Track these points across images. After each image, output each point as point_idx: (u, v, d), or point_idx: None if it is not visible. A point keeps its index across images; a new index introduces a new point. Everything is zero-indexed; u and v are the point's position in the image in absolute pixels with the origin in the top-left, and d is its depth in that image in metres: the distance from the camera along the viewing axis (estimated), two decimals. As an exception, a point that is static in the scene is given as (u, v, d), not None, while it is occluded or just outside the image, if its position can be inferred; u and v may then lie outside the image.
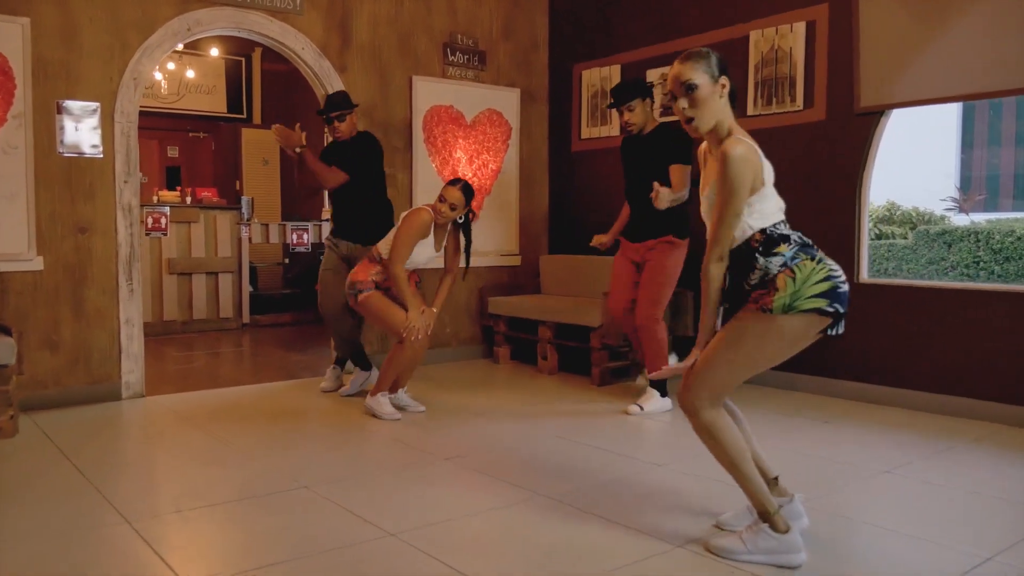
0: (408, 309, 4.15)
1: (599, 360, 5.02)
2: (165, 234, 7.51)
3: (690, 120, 2.41)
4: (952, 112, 14.74)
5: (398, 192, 5.58)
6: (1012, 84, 4.00)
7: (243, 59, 9.74)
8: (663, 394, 4.33)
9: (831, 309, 2.29)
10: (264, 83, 10.00)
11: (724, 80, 2.42)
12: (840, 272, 2.35)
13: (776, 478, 2.58)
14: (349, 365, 4.91)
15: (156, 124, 9.64)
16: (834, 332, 2.36)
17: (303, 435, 3.85)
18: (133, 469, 3.39)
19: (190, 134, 9.99)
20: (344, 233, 4.74)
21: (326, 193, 4.97)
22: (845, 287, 2.32)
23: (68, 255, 4.44)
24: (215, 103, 9.75)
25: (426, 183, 5.68)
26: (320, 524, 2.66)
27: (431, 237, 4.22)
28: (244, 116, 9.97)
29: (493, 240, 6.07)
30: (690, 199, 4.13)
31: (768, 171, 2.42)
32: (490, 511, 2.81)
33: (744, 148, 2.33)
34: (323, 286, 4.74)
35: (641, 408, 4.25)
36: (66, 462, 3.35)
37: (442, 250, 4.36)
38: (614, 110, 4.38)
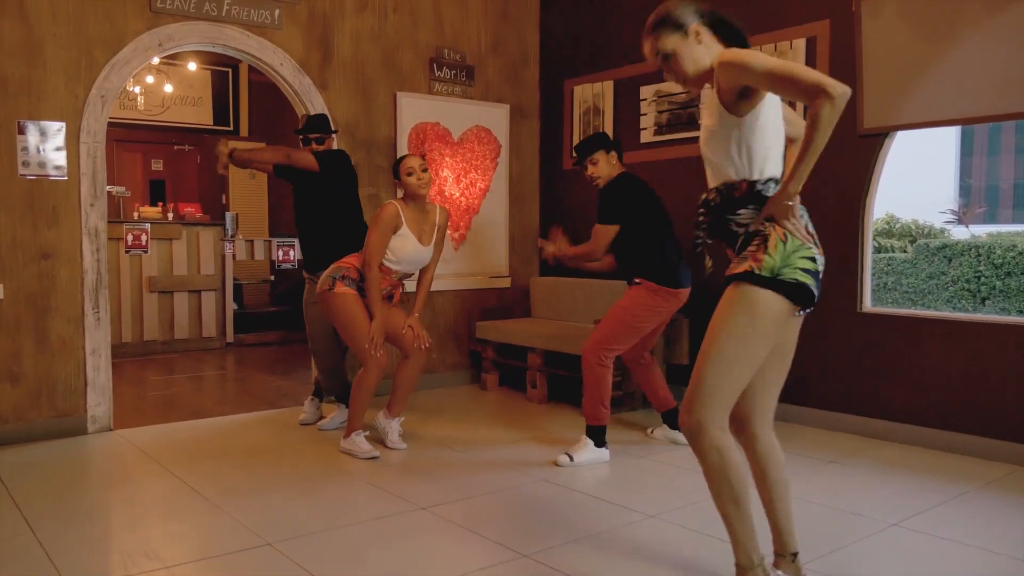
0: (372, 316, 3.93)
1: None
2: (146, 251, 7.29)
3: (684, 81, 2.30)
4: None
5: (382, 213, 5.36)
6: (1015, 108, 3.79)
7: (230, 70, 9.53)
8: (599, 444, 3.87)
9: (814, 292, 2.14)
10: (251, 95, 9.78)
11: (695, 26, 2.26)
12: (820, 260, 2.19)
13: (796, 554, 2.34)
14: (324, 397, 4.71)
15: (140, 137, 9.42)
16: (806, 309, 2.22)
17: (274, 478, 3.61)
18: (86, 521, 3.15)
19: (175, 147, 9.76)
20: (317, 266, 4.40)
21: (296, 221, 4.65)
22: (821, 275, 2.19)
23: (30, 283, 4.21)
24: (201, 115, 9.53)
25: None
26: (280, 593, 2.43)
27: (407, 230, 4.02)
28: (231, 128, 9.75)
29: (482, 262, 5.86)
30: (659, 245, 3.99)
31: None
32: (473, 574, 2.58)
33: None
34: (309, 323, 4.52)
35: (571, 458, 3.80)
36: (15, 512, 3.12)
37: (431, 246, 4.13)
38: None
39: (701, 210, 2.41)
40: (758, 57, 2.07)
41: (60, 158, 4.26)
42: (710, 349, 2.15)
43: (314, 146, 4.46)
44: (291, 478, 3.62)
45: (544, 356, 5.18)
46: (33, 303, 4.22)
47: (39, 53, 4.19)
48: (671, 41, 2.24)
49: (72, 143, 4.29)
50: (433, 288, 5.59)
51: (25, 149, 4.17)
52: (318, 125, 4.49)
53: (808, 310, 2.22)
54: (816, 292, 2.15)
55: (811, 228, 2.22)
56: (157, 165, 9.72)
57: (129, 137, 9.33)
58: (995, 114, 3.92)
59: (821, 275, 2.18)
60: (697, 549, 2.78)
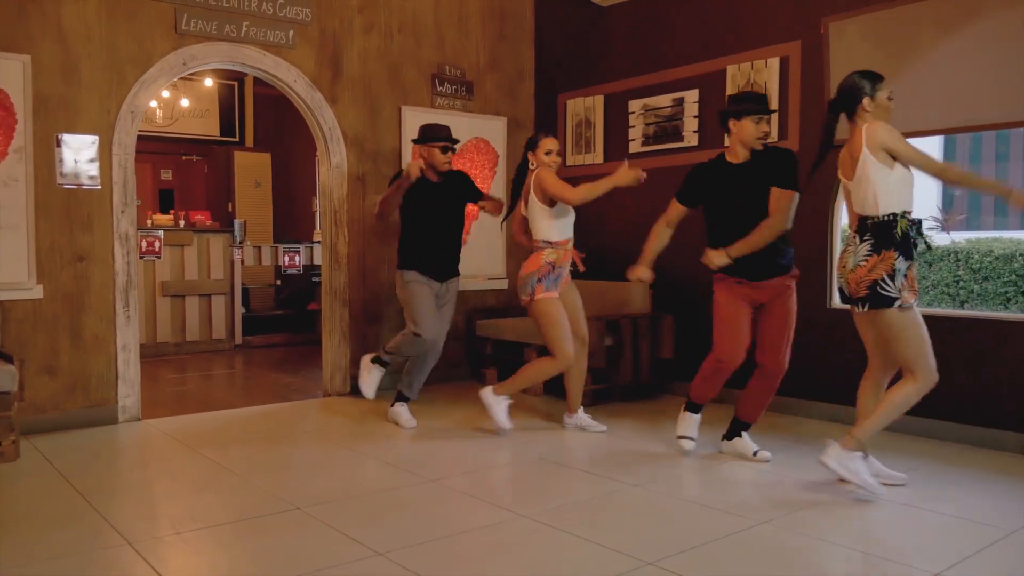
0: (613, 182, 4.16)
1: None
2: (159, 257, 7.69)
3: None
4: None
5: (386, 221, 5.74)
6: (979, 120, 4.19)
7: (236, 83, 9.91)
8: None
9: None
10: (257, 107, 10.17)
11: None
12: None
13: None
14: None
15: (149, 148, 9.76)
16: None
17: (296, 458, 3.98)
18: (132, 492, 3.52)
19: (183, 157, 10.14)
20: (443, 273, 4.72)
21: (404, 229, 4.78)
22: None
23: (67, 284, 4.58)
24: (208, 127, 9.91)
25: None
26: (311, 544, 2.80)
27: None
28: (237, 139, 10.13)
29: (481, 264, 6.24)
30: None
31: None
32: (473, 531, 2.95)
33: None
34: (429, 318, 4.59)
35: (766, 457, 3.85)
36: (67, 486, 3.48)
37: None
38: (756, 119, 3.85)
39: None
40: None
41: (93, 169, 4.64)
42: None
43: (449, 155, 4.73)
44: (311, 457, 3.99)
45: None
46: (69, 302, 4.59)
47: (75, 72, 4.57)
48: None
49: (105, 155, 4.67)
50: (435, 289, 5.98)
51: (62, 161, 4.54)
52: (448, 133, 4.77)
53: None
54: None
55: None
56: (166, 175, 10.09)
57: (139, 148, 9.66)
58: (953, 127, 4.33)
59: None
60: (680, 513, 3.16)
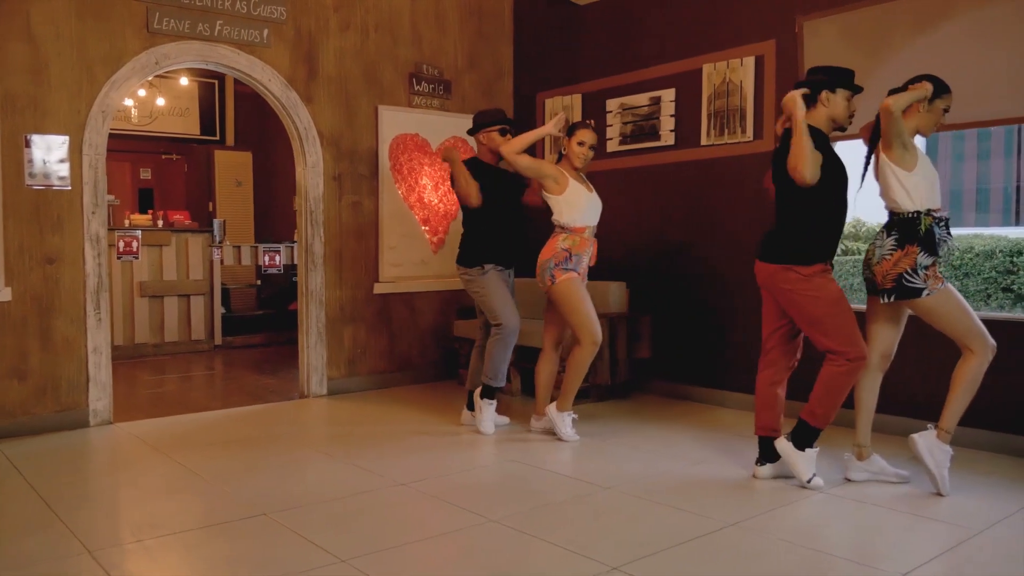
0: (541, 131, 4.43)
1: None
2: (136, 258, 7.59)
3: None
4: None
5: (364, 219, 5.72)
6: (954, 119, 4.19)
7: (216, 82, 9.84)
8: (803, 447, 3.48)
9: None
10: (237, 105, 10.10)
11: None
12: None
13: None
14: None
15: (128, 147, 9.71)
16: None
17: (266, 462, 3.95)
18: (98, 499, 3.48)
19: (163, 156, 10.06)
20: (512, 257, 4.65)
21: (463, 216, 4.68)
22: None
23: (36, 285, 4.52)
24: (188, 125, 9.84)
25: (392, 209, 5.81)
26: (274, 551, 2.77)
27: (575, 183, 4.30)
28: (217, 138, 10.06)
29: (459, 264, 6.20)
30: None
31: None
32: (440, 536, 2.93)
33: None
34: (509, 307, 4.50)
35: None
36: (32, 493, 3.43)
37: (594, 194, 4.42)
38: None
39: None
40: None
41: (64, 169, 4.58)
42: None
43: (508, 136, 4.57)
44: (281, 461, 3.95)
45: (517, 352, 5.53)
46: (39, 305, 4.53)
47: (44, 71, 4.51)
48: None
49: (75, 155, 4.61)
50: (413, 289, 5.95)
51: (31, 161, 4.48)
52: (503, 116, 4.68)
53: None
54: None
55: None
56: (145, 174, 10.02)
57: (118, 147, 9.58)
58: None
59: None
60: (647, 515, 3.14)
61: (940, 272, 3.34)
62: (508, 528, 2.98)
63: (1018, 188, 14.74)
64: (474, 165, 4.55)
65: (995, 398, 4.01)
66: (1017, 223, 14.69)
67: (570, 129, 4.42)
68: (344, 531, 2.97)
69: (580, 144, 4.33)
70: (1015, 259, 9.53)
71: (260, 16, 5.17)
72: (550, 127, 4.41)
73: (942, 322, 3.37)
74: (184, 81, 9.26)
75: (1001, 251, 9.49)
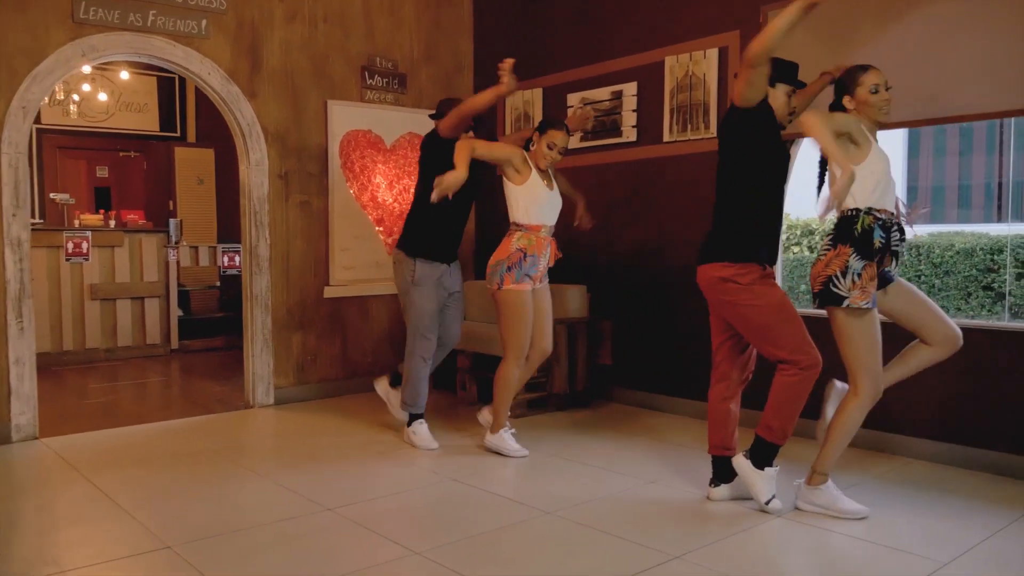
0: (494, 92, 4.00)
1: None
2: (87, 259, 7.31)
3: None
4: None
5: (314, 219, 5.44)
6: (916, 115, 3.96)
7: (176, 77, 9.52)
8: (761, 465, 3.22)
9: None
10: (199, 101, 9.78)
11: None
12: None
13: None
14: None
15: (84, 144, 9.39)
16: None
17: (189, 483, 3.67)
18: (-3, 527, 3.20)
19: (120, 154, 9.73)
20: (449, 255, 4.36)
21: (426, 212, 4.20)
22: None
23: (-49, 293, 4.23)
24: (147, 121, 9.53)
25: (343, 209, 5.54)
26: (171, 593, 2.51)
27: (537, 177, 3.99)
28: (178, 135, 9.75)
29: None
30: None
31: None
32: (358, 572, 2.67)
33: None
34: (432, 316, 4.25)
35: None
36: (-77, 521, 3.16)
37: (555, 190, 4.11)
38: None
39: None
40: None
41: (-19, 168, 4.28)
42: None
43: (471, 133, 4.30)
44: (207, 482, 3.68)
45: (473, 359, 5.28)
46: (-46, 313, 4.24)
47: (-42, 64, 4.22)
48: None
49: (-7, 153, 4.32)
50: (367, 292, 5.68)
51: (-55, 160, 4.18)
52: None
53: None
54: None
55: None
56: (102, 172, 9.68)
57: (73, 144, 9.29)
58: (893, 121, 4.08)
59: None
60: (589, 543, 2.89)
61: (873, 289, 3.01)
62: (431, 562, 2.72)
63: (1000, 184, 14.59)
64: (445, 148, 4.10)
65: (964, 410, 3.79)
66: (999, 220, 14.55)
67: (541, 126, 4.11)
68: (251, 567, 2.71)
69: (550, 147, 4.00)
70: (996, 257, 9.34)
71: (198, 6, 4.88)
72: (502, 89, 3.99)
73: (844, 345, 3.07)
74: (125, 75, 8.91)
75: (982, 249, 9.29)
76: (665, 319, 4.95)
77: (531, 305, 3.99)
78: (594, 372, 5.19)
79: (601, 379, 5.27)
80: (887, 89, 3.15)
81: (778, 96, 3.22)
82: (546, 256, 4.06)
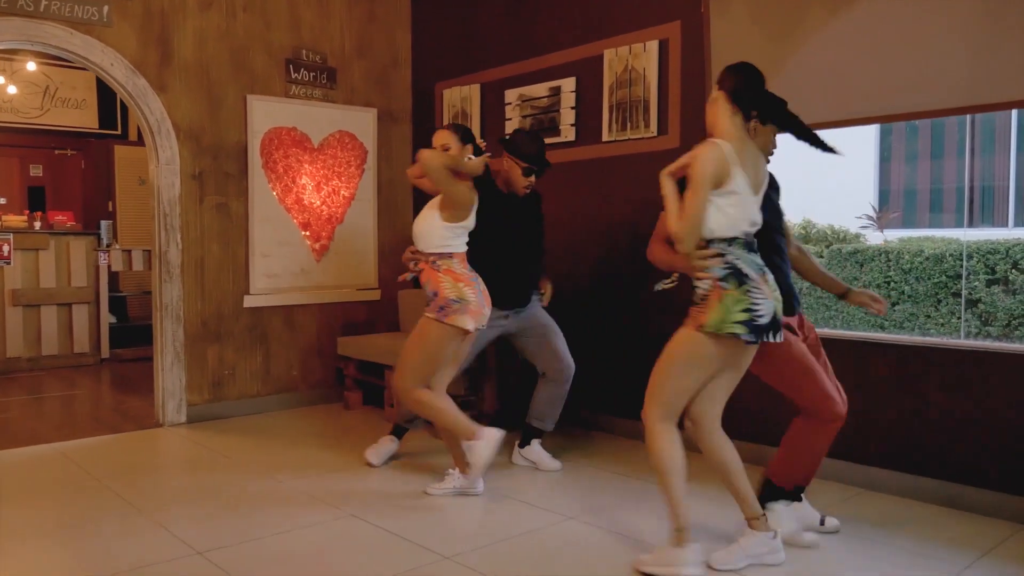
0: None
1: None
2: (8, 263, 6.89)
3: None
4: (870, 128, 14.68)
5: (232, 223, 5.06)
6: (863, 112, 3.64)
7: (89, 71, 9.09)
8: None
9: (749, 338, 2.57)
10: (141, 97, 9.35)
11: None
12: (761, 305, 2.56)
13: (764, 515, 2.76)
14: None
15: (17, 141, 8.93)
16: (773, 339, 2.64)
17: (50, 521, 3.28)
18: None
19: (56, 152, 9.28)
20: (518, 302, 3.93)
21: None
22: (762, 320, 2.56)
23: None
24: (85, 118, 9.07)
25: (265, 212, 5.15)
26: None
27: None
28: (119, 132, 9.31)
29: (348, 273, 5.56)
30: None
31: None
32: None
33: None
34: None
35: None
36: None
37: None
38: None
39: None
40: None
41: None
42: (668, 371, 2.66)
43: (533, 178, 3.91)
44: (73, 519, 3.28)
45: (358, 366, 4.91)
46: None
47: None
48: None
49: None
50: (292, 302, 5.30)
51: None
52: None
53: (776, 335, 2.64)
54: (752, 338, 2.57)
55: (742, 263, 2.58)
56: (36, 171, 9.23)
57: (5, 141, 8.84)
58: (841, 119, 3.76)
59: (758, 311, 2.56)
60: (479, 597, 2.54)
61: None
62: (294, 624, 2.35)
63: (971, 188, 14.41)
64: (484, 186, 3.69)
65: (912, 436, 3.47)
66: (971, 225, 14.36)
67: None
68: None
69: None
70: (966, 263, 9.07)
71: (97, -10, 4.50)
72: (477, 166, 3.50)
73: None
74: (32, 66, 8.42)
75: (951, 255, 9.03)
76: (606, 333, 4.61)
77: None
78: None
79: (538, 395, 4.91)
80: None
81: (767, 133, 2.87)
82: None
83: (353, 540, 3.04)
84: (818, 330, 3.21)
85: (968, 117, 9.38)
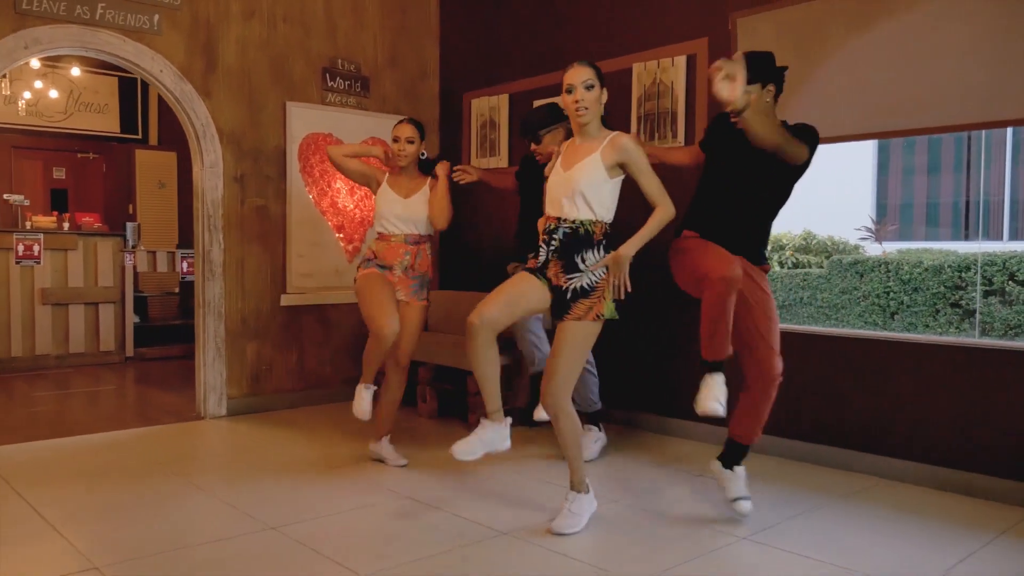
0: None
1: (475, 405, 4.75)
2: (38, 262, 7.07)
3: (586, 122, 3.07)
4: (868, 143, 14.99)
5: (271, 224, 5.26)
6: (881, 127, 3.88)
7: (139, 77, 9.29)
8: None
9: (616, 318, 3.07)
10: (161, 103, 9.54)
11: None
12: None
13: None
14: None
15: (41, 144, 9.12)
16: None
17: (125, 499, 3.47)
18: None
19: (79, 155, 9.47)
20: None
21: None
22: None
23: None
24: (107, 123, 9.28)
25: (302, 214, 5.36)
26: (88, 621, 2.33)
27: (387, 186, 4.02)
28: (139, 137, 9.51)
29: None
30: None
31: None
32: (295, 598, 2.50)
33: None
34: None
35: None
36: None
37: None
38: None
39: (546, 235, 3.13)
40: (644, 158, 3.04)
41: (-86, 164, 4.07)
42: (571, 358, 3.02)
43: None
44: (146, 498, 3.48)
45: (434, 371, 5.12)
46: None
47: None
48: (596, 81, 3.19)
49: (-73, 149, 4.11)
50: (326, 301, 5.50)
51: None
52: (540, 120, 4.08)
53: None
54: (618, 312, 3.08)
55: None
56: (59, 173, 9.42)
57: (28, 144, 9.02)
58: (862, 132, 4.01)
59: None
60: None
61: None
62: (375, 587, 2.56)
63: (967, 203, 14.71)
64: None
65: (916, 429, 3.70)
66: (967, 238, 14.65)
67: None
68: (182, 591, 2.53)
69: (395, 140, 4.00)
70: (963, 274, 9.33)
71: (150, 0, 4.71)
72: (378, 151, 4.12)
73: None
74: (76, 72, 8.65)
75: (950, 266, 9.28)
76: (641, 332, 4.83)
77: (380, 285, 3.91)
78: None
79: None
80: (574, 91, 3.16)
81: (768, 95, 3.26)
82: (402, 264, 3.95)
83: (409, 519, 3.24)
84: (843, 330, 3.44)
85: (964, 132, 9.65)
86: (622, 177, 3.08)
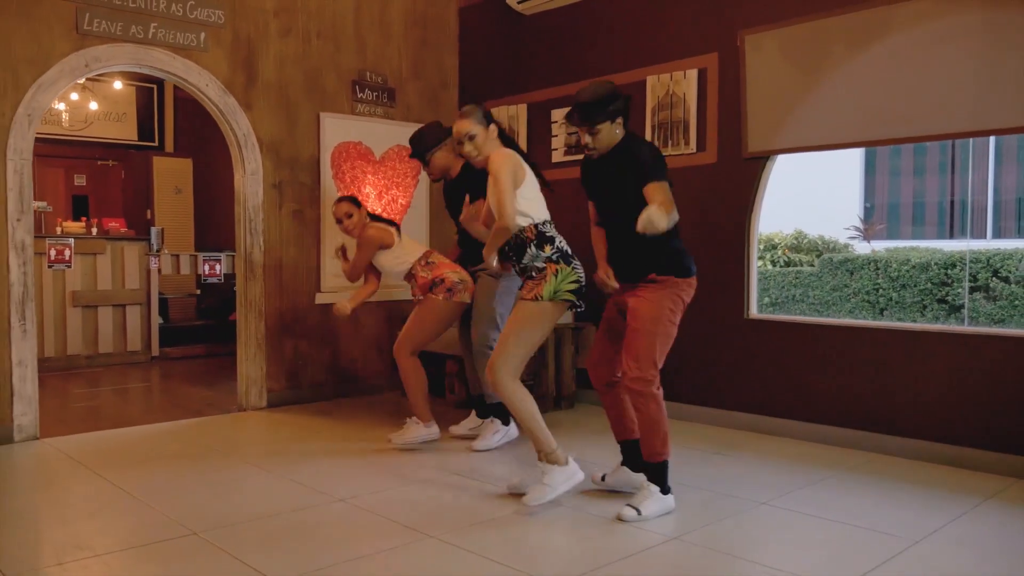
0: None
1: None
2: (69, 266, 7.34)
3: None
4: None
5: (306, 228, 5.61)
6: (879, 135, 4.27)
7: (155, 86, 9.61)
8: (664, 491, 3.28)
9: (578, 304, 3.38)
10: (177, 111, 9.87)
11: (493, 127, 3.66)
12: (583, 279, 3.39)
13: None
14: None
15: (62, 152, 9.42)
16: (580, 309, 3.42)
17: (199, 478, 3.81)
18: (18, 519, 3.32)
19: (98, 162, 9.77)
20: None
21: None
22: (584, 290, 3.39)
23: (-44, 295, 4.32)
24: (125, 131, 9.58)
25: (334, 219, 5.69)
26: (202, 572, 2.66)
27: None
28: (156, 144, 9.82)
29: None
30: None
31: (529, 173, 3.45)
32: (377, 554, 2.85)
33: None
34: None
35: (638, 512, 3.18)
36: (-54, 513, 3.26)
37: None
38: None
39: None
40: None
41: (-13, 174, 4.39)
42: (516, 336, 3.30)
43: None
44: (214, 477, 3.82)
45: (460, 363, 5.47)
46: (-41, 315, 4.33)
47: (-34, 73, 4.32)
48: (477, 128, 3.69)
49: (-1, 160, 4.43)
50: (356, 300, 5.84)
51: (-48, 165, 4.28)
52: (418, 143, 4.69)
53: (579, 307, 3.41)
54: (580, 303, 3.39)
55: (566, 247, 3.43)
56: (80, 180, 9.71)
57: (51, 152, 9.31)
58: (861, 140, 4.40)
59: (583, 283, 3.39)
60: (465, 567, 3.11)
61: None
62: (449, 545, 2.91)
63: (952, 203, 15.18)
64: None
65: (916, 406, 4.08)
66: (952, 236, 15.13)
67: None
68: (279, 550, 2.87)
69: (338, 221, 4.74)
70: (949, 271, 9.78)
71: (196, 19, 5.04)
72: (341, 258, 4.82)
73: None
74: (118, 85, 9.01)
75: (936, 264, 9.72)
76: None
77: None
78: (581, 375, 5.41)
79: (585, 383, 5.49)
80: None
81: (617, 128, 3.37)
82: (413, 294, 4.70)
83: (461, 492, 3.60)
84: (847, 320, 3.81)
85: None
86: (521, 185, 3.36)
